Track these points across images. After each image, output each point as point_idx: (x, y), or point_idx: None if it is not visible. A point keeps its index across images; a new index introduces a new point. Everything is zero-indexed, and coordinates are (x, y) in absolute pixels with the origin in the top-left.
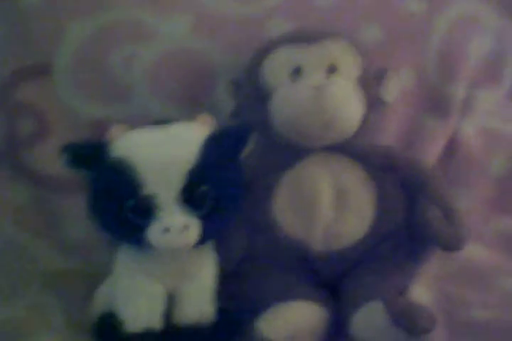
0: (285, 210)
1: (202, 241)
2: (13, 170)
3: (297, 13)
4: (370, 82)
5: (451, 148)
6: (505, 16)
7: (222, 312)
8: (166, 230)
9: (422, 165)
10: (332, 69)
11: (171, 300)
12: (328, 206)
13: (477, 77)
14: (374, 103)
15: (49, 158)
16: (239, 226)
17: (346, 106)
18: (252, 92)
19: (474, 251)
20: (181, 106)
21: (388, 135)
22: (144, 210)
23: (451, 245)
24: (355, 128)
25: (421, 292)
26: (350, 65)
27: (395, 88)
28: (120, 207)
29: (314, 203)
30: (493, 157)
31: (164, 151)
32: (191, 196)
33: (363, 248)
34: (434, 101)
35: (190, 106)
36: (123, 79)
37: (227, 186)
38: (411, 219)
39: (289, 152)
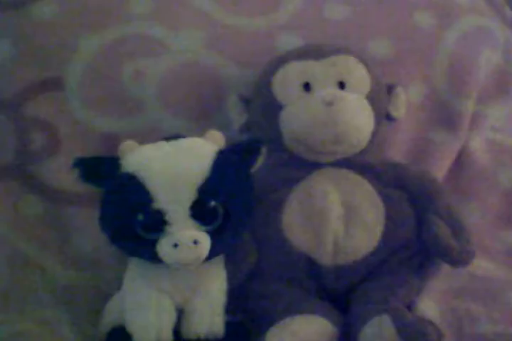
0: (294, 225)
1: (212, 255)
2: (24, 183)
3: (307, 28)
4: (380, 98)
5: (460, 162)
6: None
7: (231, 326)
8: (176, 245)
9: (430, 180)
10: (342, 85)
11: (181, 314)
12: (337, 221)
13: (486, 91)
14: (383, 118)
15: (60, 172)
16: (248, 241)
17: (356, 120)
18: (263, 107)
19: (482, 266)
20: (192, 120)
21: (397, 150)
22: (155, 225)
23: (459, 260)
24: (365, 143)
25: (428, 306)
26: (359, 81)
27: (404, 104)
28: (131, 221)
29: (323, 218)
30: (502, 171)
31: (175, 166)
32: (201, 211)
33: (371, 262)
34: (442, 116)
35: (201, 120)
36: (134, 94)
37: (237, 201)
38: (419, 234)
39: (298, 167)
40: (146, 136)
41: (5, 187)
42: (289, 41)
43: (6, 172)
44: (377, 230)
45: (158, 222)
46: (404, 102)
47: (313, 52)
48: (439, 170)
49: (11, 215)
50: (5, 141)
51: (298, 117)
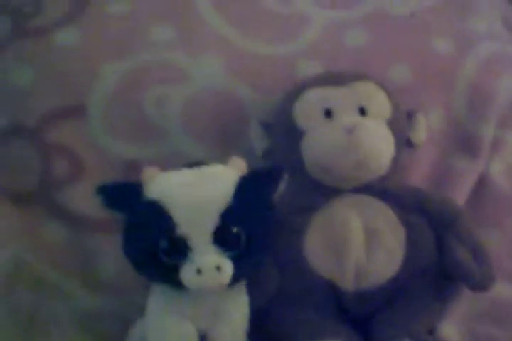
0: (316, 250)
1: (234, 281)
2: (47, 209)
3: (327, 54)
4: (400, 123)
5: (480, 187)
6: None
7: None
8: (199, 271)
9: (450, 205)
10: (362, 111)
11: (203, 340)
12: (359, 246)
13: (506, 117)
14: (403, 144)
15: (83, 199)
16: (270, 266)
17: (377, 146)
18: (284, 133)
19: (503, 290)
20: (214, 146)
21: (417, 176)
22: (178, 251)
23: (480, 285)
24: (386, 169)
25: (450, 331)
26: (379, 107)
27: (424, 130)
28: (154, 247)
29: (345, 243)
30: None
31: (197, 193)
32: (224, 237)
33: (393, 287)
34: (463, 141)
35: (222, 146)
36: (156, 120)
37: (259, 227)
38: (440, 258)
39: (320, 193)
40: (169, 163)
41: (29, 213)
42: (309, 68)
43: (29, 199)
44: (399, 255)
45: (181, 248)
46: (425, 128)
47: (333, 79)
48: (460, 195)
49: (34, 241)
50: (28, 167)
51: (319, 144)
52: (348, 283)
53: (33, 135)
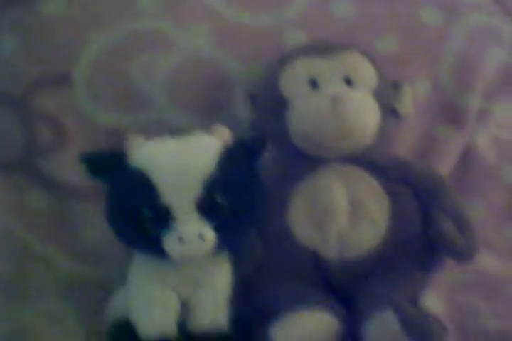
0: (300, 220)
1: (217, 250)
2: (31, 177)
3: (314, 25)
4: (386, 94)
5: (465, 158)
6: None
7: (236, 320)
8: (182, 240)
9: (435, 176)
10: (348, 81)
11: (185, 309)
12: (342, 216)
13: (492, 88)
14: (389, 114)
15: (67, 167)
16: (254, 235)
17: (363, 117)
18: (269, 103)
19: (486, 261)
20: (199, 116)
21: (403, 146)
22: (161, 220)
23: (464, 256)
24: (371, 139)
25: (433, 302)
26: (365, 77)
27: (410, 101)
28: (137, 216)
29: (329, 213)
30: (506, 167)
31: (181, 161)
32: (207, 206)
33: (376, 258)
34: (449, 113)
35: (207, 116)
36: (141, 89)
37: (243, 196)
38: (424, 229)
39: (304, 162)
40: (153, 131)
41: (12, 181)
42: (296, 38)
43: (13, 167)
44: (383, 225)
45: (164, 217)
46: (411, 99)
47: (320, 49)
48: (445, 166)
49: (17, 209)
50: (12, 135)
51: (304, 113)
52: (331, 253)
53: (18, 103)
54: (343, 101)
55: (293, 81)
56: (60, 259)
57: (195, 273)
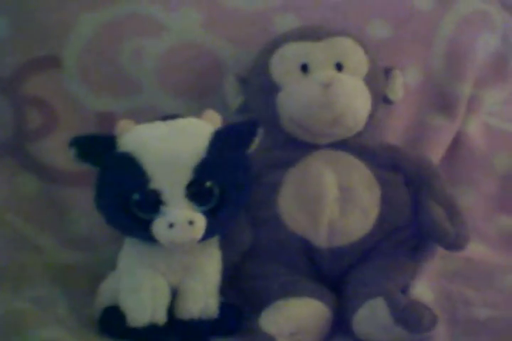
0: (290, 206)
1: (207, 236)
2: (20, 162)
3: (305, 9)
4: (377, 80)
5: (456, 146)
6: None
7: (225, 307)
8: (171, 225)
9: (426, 164)
10: (339, 66)
11: (175, 295)
12: (332, 202)
13: (483, 75)
14: (380, 101)
15: (56, 151)
16: (244, 221)
17: (353, 102)
18: (260, 87)
19: (476, 250)
20: (189, 100)
21: (393, 133)
22: (150, 205)
23: (454, 244)
24: (362, 125)
25: (423, 290)
26: (357, 62)
27: (401, 87)
28: (126, 201)
29: (319, 199)
30: (497, 155)
31: (171, 146)
32: (197, 191)
33: (366, 245)
34: (440, 100)
35: (197, 100)
36: (131, 73)
37: (233, 182)
38: (415, 217)
39: (295, 148)
40: (143, 116)
41: (1, 165)
42: (287, 22)
43: (2, 151)
44: (373, 212)
45: (153, 202)
46: (402, 85)
47: (311, 34)
48: (435, 153)
49: (6, 194)
50: (1, 119)
51: (295, 99)
52: (321, 240)
53: (7, 86)
54: (334, 87)
55: (283, 66)
56: (50, 245)
57: (185, 259)
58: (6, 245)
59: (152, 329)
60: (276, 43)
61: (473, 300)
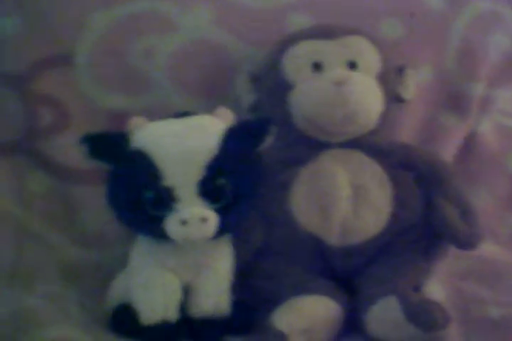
0: (302, 204)
1: (219, 233)
2: (31, 160)
3: (318, 8)
4: (389, 79)
5: (468, 145)
6: None
7: (237, 304)
8: (184, 222)
9: (439, 163)
10: (352, 65)
11: (187, 292)
12: (345, 201)
13: (496, 75)
14: (393, 99)
15: (68, 149)
16: (256, 219)
17: (366, 101)
18: (272, 86)
19: (489, 249)
20: (201, 97)
21: (406, 132)
22: (163, 202)
23: (466, 243)
24: (374, 124)
25: (435, 289)
26: (369, 61)
27: (414, 86)
28: (139, 198)
29: (332, 198)
30: (509, 155)
31: (183, 143)
32: (209, 189)
33: (378, 243)
34: (452, 99)
35: (210, 98)
36: (143, 71)
37: (245, 179)
38: (427, 216)
39: (307, 146)
40: (155, 113)
41: (13, 163)
42: (300, 20)
43: (13, 148)
44: (385, 211)
45: (166, 199)
46: (414, 84)
47: (324, 32)
48: (448, 152)
49: (18, 191)
50: (13, 116)
51: (307, 97)
52: (333, 238)
53: (19, 84)
54: (347, 85)
55: (296, 64)
56: (61, 242)
57: (196, 256)
58: (17, 243)
59: (164, 326)
60: (288, 41)
61: (486, 299)
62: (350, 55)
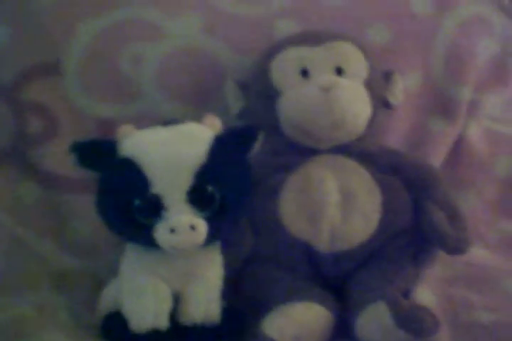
0: (291, 211)
1: (209, 241)
2: (21, 169)
3: (305, 14)
4: (377, 84)
5: (457, 150)
6: None
7: (227, 311)
8: (173, 230)
9: (427, 167)
10: (339, 71)
11: (177, 300)
12: (334, 207)
13: (483, 80)
14: (380, 105)
15: (57, 157)
16: (245, 226)
17: (353, 107)
18: (260, 93)
19: (478, 254)
20: (189, 105)
21: (394, 137)
22: (151, 210)
23: (455, 248)
24: (362, 130)
25: (425, 294)
26: (357, 67)
27: (401, 91)
28: (128, 206)
29: (321, 204)
30: (498, 159)
31: (172, 151)
32: (198, 196)
33: (368, 249)
34: (440, 104)
35: (198, 105)
36: (132, 79)
37: (234, 187)
38: (416, 221)
39: (295, 153)
40: (144, 121)
41: (2, 172)
42: (287, 27)
43: (3, 157)
44: (374, 217)
45: (155, 207)
46: (402, 89)
47: (310, 39)
48: (436, 157)
49: (8, 200)
50: (2, 125)
51: (295, 103)
52: (323, 245)
53: (8, 93)
54: (334, 91)
55: (283, 70)
56: (51, 251)
57: (186, 264)
58: (7, 251)
59: (154, 334)
60: (276, 48)
61: (475, 304)
62: (337, 60)
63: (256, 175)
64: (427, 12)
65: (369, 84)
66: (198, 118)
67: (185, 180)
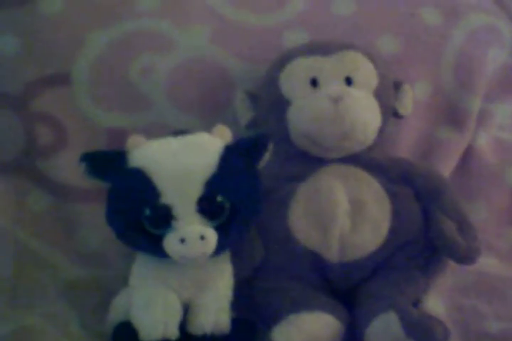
0: (301, 221)
1: (218, 251)
2: (31, 179)
3: (314, 24)
4: (386, 94)
5: (466, 160)
6: None
7: (237, 322)
8: (183, 240)
9: (436, 177)
10: (349, 81)
11: (187, 310)
12: (344, 217)
13: (493, 89)
14: (390, 115)
15: (67, 168)
16: (255, 236)
17: (363, 117)
18: (270, 103)
19: (488, 263)
20: (199, 115)
21: (404, 147)
22: (161, 220)
23: (465, 258)
24: (372, 139)
25: (435, 304)
26: (366, 77)
27: (411, 101)
28: (138, 216)
29: (330, 214)
30: (508, 169)
31: (182, 161)
32: (208, 206)
33: (378, 259)
34: (449, 114)
35: (208, 116)
36: (141, 89)
37: (243, 196)
38: (426, 230)
39: (305, 163)
40: (153, 132)
41: (12, 183)
42: (296, 37)
43: (13, 168)
44: (384, 226)
45: (165, 217)
46: (411, 99)
47: (320, 49)
48: (446, 167)
49: (18, 210)
50: (12, 135)
51: (305, 113)
52: (332, 255)
53: (18, 103)
54: (344, 101)
55: (293, 80)
56: (61, 261)
57: (196, 274)
58: (17, 262)
59: None
60: (285, 58)
61: (485, 314)
62: (346, 70)
63: (266, 185)
64: (437, 22)
65: (379, 94)
66: (207, 128)
67: (195, 190)
